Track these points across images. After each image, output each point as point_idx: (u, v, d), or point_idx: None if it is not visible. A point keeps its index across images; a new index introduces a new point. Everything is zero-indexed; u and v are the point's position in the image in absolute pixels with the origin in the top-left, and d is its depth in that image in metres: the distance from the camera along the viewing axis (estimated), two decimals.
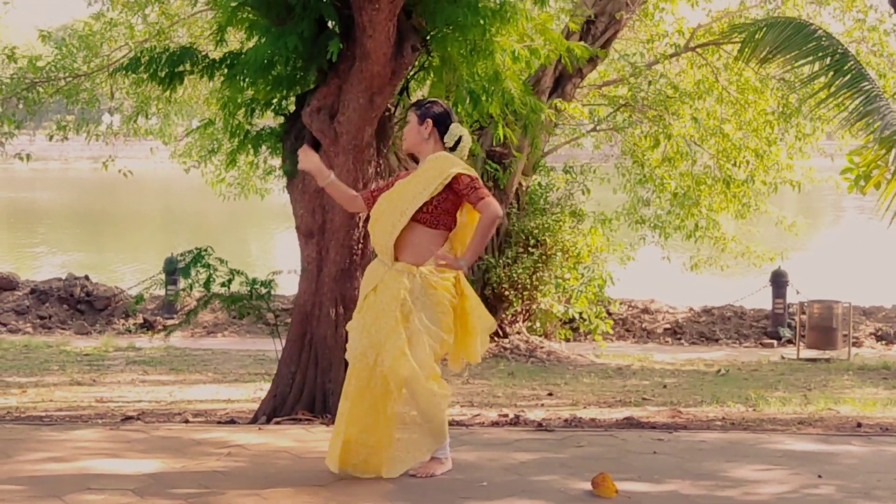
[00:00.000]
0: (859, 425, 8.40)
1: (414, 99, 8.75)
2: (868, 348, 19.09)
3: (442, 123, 6.04)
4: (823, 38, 13.76)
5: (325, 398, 8.14)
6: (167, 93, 8.95)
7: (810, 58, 13.70)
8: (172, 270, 19.09)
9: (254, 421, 8.24)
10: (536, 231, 16.70)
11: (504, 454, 6.64)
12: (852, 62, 13.94)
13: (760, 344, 19.69)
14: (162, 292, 20.07)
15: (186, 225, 43.84)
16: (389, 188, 6.06)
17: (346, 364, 7.70)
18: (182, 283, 12.11)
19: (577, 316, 17.08)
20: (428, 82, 9.00)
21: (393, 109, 8.60)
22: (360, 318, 5.92)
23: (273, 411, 8.23)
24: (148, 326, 19.96)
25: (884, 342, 19.58)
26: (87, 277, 21.61)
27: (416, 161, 6.12)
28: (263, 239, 41.53)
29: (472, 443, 6.93)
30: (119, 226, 44.82)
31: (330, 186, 6.16)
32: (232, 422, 8.52)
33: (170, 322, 19.58)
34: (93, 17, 17.83)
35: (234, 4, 7.80)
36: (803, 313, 18.26)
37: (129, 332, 20.01)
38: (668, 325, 20.54)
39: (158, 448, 6.78)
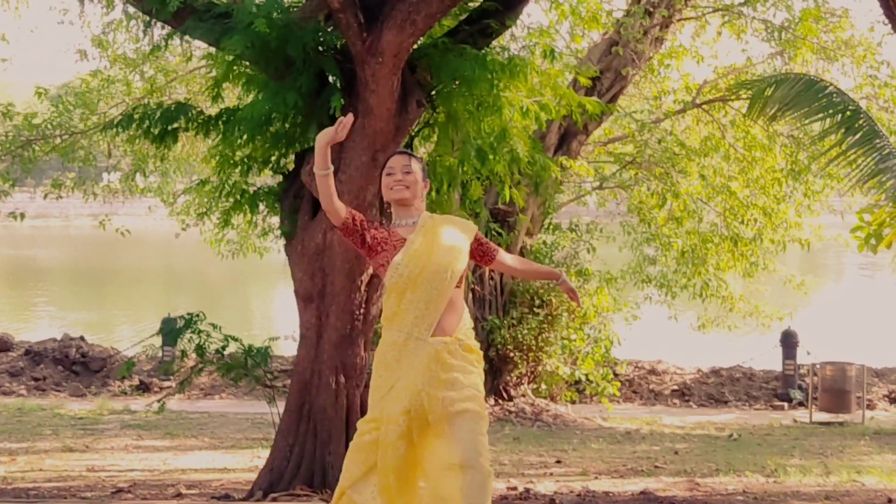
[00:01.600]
0: (890, 501, 7.97)
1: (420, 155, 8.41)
2: (882, 411, 18.61)
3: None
4: (834, 95, 13.42)
5: (325, 472, 7.73)
6: (161, 150, 8.58)
7: (821, 115, 13.33)
8: (168, 331, 18.65)
9: (249, 496, 7.81)
10: (542, 291, 16.30)
11: None
12: (864, 119, 13.60)
13: (771, 406, 19.20)
14: (160, 353, 19.61)
15: (186, 284, 43.42)
16: (381, 241, 5.29)
17: (347, 435, 7.27)
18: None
19: (583, 378, 16.65)
20: (433, 139, 8.63)
21: None
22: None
23: (270, 486, 7.80)
24: (144, 388, 19.52)
25: None
26: (82, 338, 21.19)
27: (387, 212, 5.57)
28: (265, 298, 41.09)
29: None
30: (118, 284, 44.36)
31: (323, 178, 5.28)
32: (226, 497, 8.09)
33: (166, 384, 19.16)
34: (90, 75, 17.53)
35: (230, 58, 7.44)
36: (815, 375, 17.81)
37: (125, 394, 19.55)
38: (675, 387, 20.07)
39: None
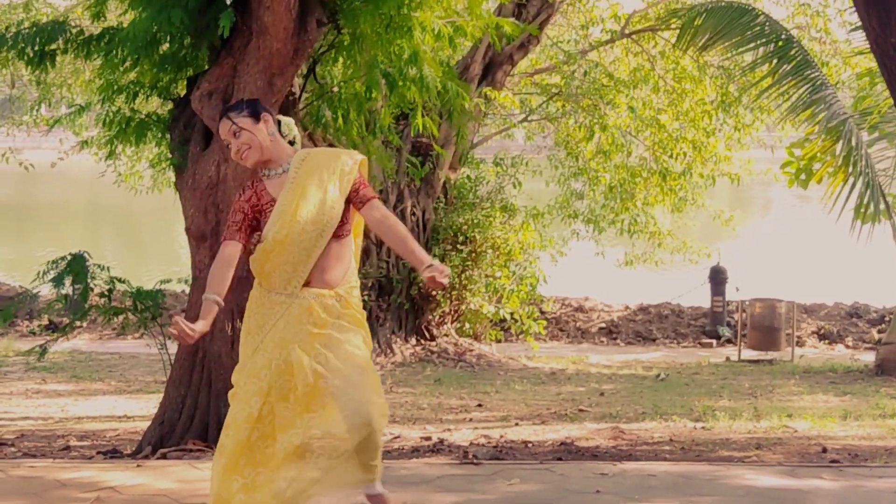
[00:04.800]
0: (825, 450, 7.54)
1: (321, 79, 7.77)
2: (811, 348, 18.34)
3: (270, 113, 4.95)
4: (766, 24, 12.98)
5: (220, 425, 7.06)
6: (36, 73, 7.84)
7: (752, 44, 12.93)
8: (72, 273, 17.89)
9: (136, 453, 7.18)
10: (465, 227, 15.71)
11: (424, 496, 5.68)
12: (796, 48, 13.19)
13: (699, 343, 18.87)
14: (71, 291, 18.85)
15: (109, 221, 42.41)
16: (259, 210, 4.79)
17: None
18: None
19: (508, 316, 16.12)
20: (340, 63, 7.96)
21: (298, 94, 7.57)
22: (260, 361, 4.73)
23: (159, 440, 7.18)
24: (54, 328, 18.75)
25: (827, 341, 18.85)
26: None
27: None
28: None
29: (387, 481, 5.87)
30: (37, 221, 43.19)
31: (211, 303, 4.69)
32: (113, 451, 7.47)
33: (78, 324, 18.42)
34: None
35: None
36: (744, 312, 17.47)
37: (34, 334, 18.81)
38: (603, 325, 19.67)
39: (15, 491, 5.76)
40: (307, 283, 4.73)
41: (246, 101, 4.96)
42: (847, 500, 5.73)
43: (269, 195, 4.78)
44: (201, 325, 4.55)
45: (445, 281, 4.63)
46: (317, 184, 4.73)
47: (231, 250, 4.75)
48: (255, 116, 4.82)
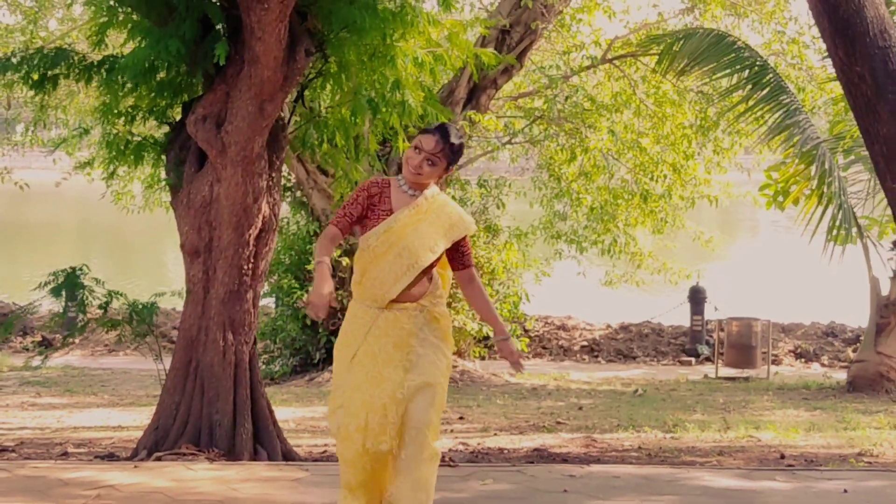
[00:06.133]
0: (782, 456, 7.97)
1: (309, 105, 8.20)
2: (787, 366, 18.79)
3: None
4: (742, 50, 13.46)
5: (212, 430, 7.52)
6: (39, 97, 8.26)
7: (728, 70, 13.40)
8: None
9: (133, 456, 7.59)
10: None
11: None
12: (771, 75, 13.66)
13: (678, 361, 19.31)
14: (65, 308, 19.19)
15: (101, 239, 42.68)
16: (371, 207, 5.11)
17: (235, 393, 7.07)
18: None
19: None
20: (327, 89, 8.39)
21: (287, 119, 8.01)
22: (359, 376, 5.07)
23: (154, 445, 7.58)
24: (47, 344, 19.11)
25: (803, 360, 19.31)
26: None
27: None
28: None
29: None
30: (30, 239, 43.47)
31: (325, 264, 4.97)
32: (110, 456, 7.87)
33: (70, 340, 18.78)
34: None
35: (111, 3, 7.14)
36: (721, 330, 17.90)
37: (27, 350, 19.16)
38: (585, 343, 20.11)
39: (20, 489, 6.15)
40: (395, 299, 5.06)
41: (460, 145, 5.17)
42: (796, 499, 6.15)
43: (389, 203, 5.10)
44: (327, 287, 4.82)
45: (518, 368, 5.23)
46: (430, 222, 5.10)
47: (335, 232, 5.05)
48: (453, 163, 5.18)
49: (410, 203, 5.09)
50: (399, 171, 15.62)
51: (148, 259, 36.82)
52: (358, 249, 5.12)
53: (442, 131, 5.10)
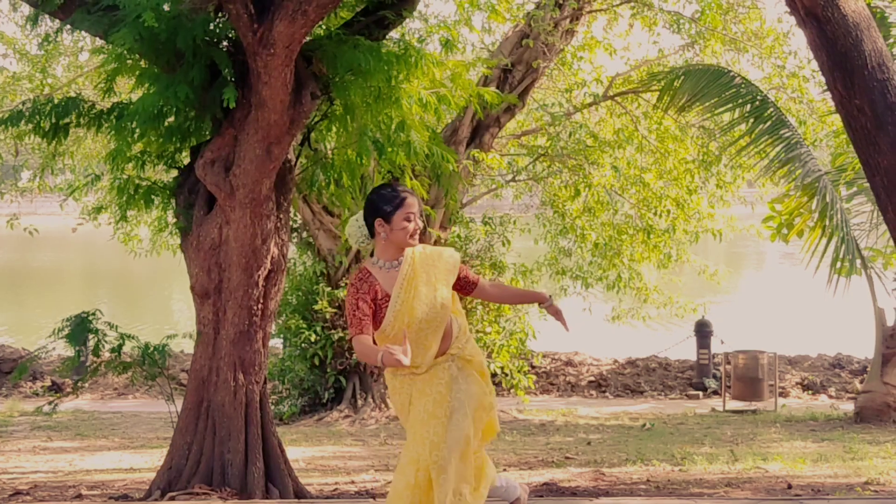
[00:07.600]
0: (790, 486, 8.02)
1: (315, 146, 8.32)
2: (795, 398, 18.83)
3: None
4: (742, 86, 13.58)
5: (224, 470, 7.61)
6: (53, 146, 8.41)
7: (729, 105, 13.51)
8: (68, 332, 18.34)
9: (146, 497, 7.67)
10: None
11: None
12: (772, 109, 13.77)
13: (686, 395, 19.36)
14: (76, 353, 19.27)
15: (108, 283, 42.84)
16: (375, 304, 5.26)
17: (246, 432, 7.17)
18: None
19: (498, 371, 16.61)
20: (333, 132, 8.52)
21: (294, 161, 8.14)
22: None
23: (168, 485, 7.67)
24: (56, 389, 19.22)
25: (810, 392, 19.35)
26: None
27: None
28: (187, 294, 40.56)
29: None
30: (37, 284, 43.65)
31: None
32: (124, 497, 7.95)
33: (81, 385, 18.87)
34: None
35: (119, 51, 7.28)
36: (728, 364, 17.95)
37: (37, 395, 19.24)
38: (592, 378, 20.16)
39: None
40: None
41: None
42: None
43: (383, 290, 5.26)
44: (400, 348, 4.89)
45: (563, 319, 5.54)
46: (424, 281, 5.26)
47: (367, 337, 5.15)
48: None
49: (396, 277, 5.26)
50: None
51: (155, 302, 36.93)
52: (377, 336, 5.25)
53: (410, 190, 5.37)
